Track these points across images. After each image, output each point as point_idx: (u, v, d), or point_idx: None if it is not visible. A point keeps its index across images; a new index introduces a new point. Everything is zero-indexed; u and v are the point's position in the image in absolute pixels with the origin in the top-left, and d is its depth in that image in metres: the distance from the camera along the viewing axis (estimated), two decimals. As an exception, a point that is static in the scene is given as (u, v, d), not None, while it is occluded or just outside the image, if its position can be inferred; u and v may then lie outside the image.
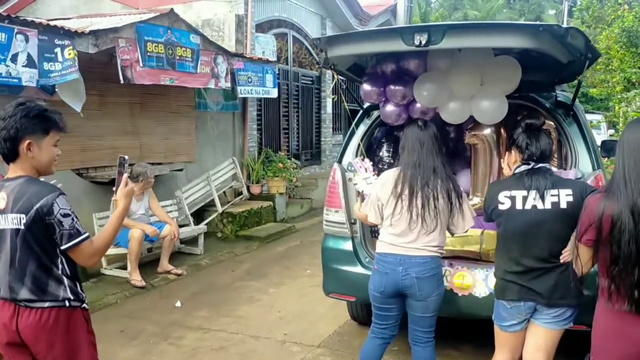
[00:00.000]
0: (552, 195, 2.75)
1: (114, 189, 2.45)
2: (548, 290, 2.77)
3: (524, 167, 2.87)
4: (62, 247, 2.21)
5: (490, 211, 2.94)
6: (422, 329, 3.25)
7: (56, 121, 2.32)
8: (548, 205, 2.75)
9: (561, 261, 2.76)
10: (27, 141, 2.23)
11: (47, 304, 2.23)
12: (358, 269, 4.09)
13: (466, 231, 3.30)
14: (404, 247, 3.14)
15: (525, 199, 2.80)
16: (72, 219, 2.21)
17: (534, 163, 2.84)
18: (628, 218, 2.14)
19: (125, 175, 2.44)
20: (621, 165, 2.21)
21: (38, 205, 2.17)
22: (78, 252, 2.25)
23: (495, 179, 4.15)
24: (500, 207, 2.86)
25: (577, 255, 2.43)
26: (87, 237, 2.26)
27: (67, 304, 2.27)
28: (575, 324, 2.88)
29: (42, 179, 2.33)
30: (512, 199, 2.83)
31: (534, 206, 2.78)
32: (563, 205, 2.74)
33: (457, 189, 3.18)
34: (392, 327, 3.36)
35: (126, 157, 2.52)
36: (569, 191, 2.75)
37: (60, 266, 2.26)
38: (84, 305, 2.37)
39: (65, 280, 2.27)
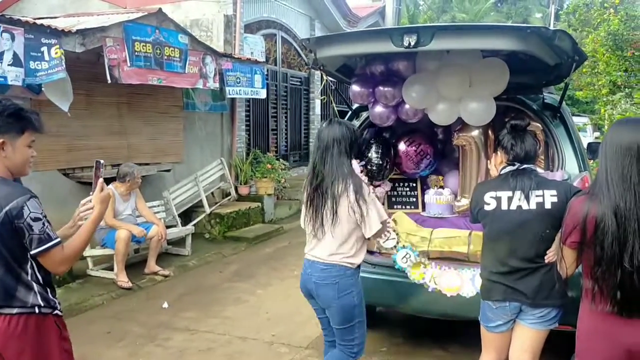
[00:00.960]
0: (537, 196, 2.77)
1: (91, 193, 2.36)
2: (533, 290, 2.78)
3: (509, 168, 2.89)
4: (31, 252, 2.12)
5: (477, 212, 2.95)
6: (338, 338, 3.11)
7: (32, 121, 2.23)
8: (533, 206, 2.77)
9: (546, 261, 2.77)
10: (1, 140, 2.15)
11: (15, 310, 2.14)
12: (346, 270, 4.07)
13: (380, 235, 3.09)
14: (312, 251, 3.05)
15: (510, 199, 2.81)
16: (43, 224, 2.12)
17: (519, 164, 2.86)
18: (611, 220, 2.15)
19: (101, 180, 2.36)
20: (604, 168, 2.22)
21: (7, 208, 2.08)
22: (48, 258, 2.15)
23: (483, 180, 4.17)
24: (486, 207, 2.87)
25: (562, 257, 2.44)
26: (58, 243, 2.16)
27: (37, 310, 2.17)
28: (561, 325, 2.90)
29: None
30: (498, 199, 2.84)
31: (519, 207, 2.79)
32: (548, 205, 2.75)
33: (360, 191, 2.90)
34: (329, 330, 3.21)
35: (102, 161, 2.44)
36: (554, 192, 2.77)
37: (29, 272, 2.16)
38: (56, 312, 2.25)
39: (35, 287, 2.17)
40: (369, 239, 3.00)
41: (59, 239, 2.17)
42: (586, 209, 2.24)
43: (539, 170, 3.95)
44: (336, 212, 2.90)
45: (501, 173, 2.94)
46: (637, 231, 2.12)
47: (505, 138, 2.93)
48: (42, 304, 2.18)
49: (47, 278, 2.23)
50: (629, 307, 2.18)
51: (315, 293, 3.04)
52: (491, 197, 2.86)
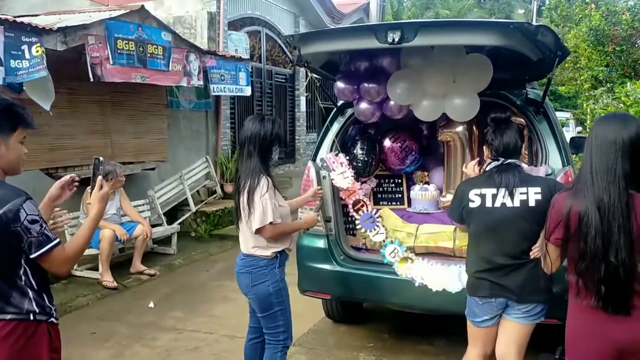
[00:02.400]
0: (521, 193, 2.78)
1: (89, 190, 2.30)
2: (518, 286, 2.80)
3: (494, 164, 2.89)
4: (32, 256, 2.03)
5: (461, 209, 2.95)
6: (264, 328, 3.22)
7: (24, 116, 2.14)
8: (517, 203, 2.78)
9: (531, 257, 2.79)
10: None
11: (9, 317, 2.04)
12: (333, 267, 4.09)
13: (256, 230, 3.05)
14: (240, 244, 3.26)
15: (494, 196, 2.82)
16: (41, 225, 2.03)
17: (503, 159, 2.86)
18: (595, 214, 2.15)
19: (100, 178, 2.29)
20: (588, 162, 2.22)
21: (2, 211, 1.98)
22: (49, 260, 2.06)
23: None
24: (471, 205, 2.88)
25: (546, 253, 2.44)
26: (58, 243, 2.07)
27: (32, 317, 2.07)
28: (546, 318, 2.93)
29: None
30: (482, 196, 2.85)
31: (503, 204, 2.80)
32: (532, 203, 2.77)
33: (251, 191, 3.00)
34: (253, 315, 3.36)
35: (101, 158, 2.37)
36: (538, 189, 2.78)
37: (23, 277, 2.06)
38: (52, 319, 2.16)
39: (30, 293, 2.08)
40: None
41: (58, 239, 2.09)
42: (569, 204, 2.24)
43: (524, 165, 4.00)
44: (245, 207, 3.03)
45: (486, 170, 2.95)
46: (623, 225, 2.12)
47: (488, 132, 2.95)
48: (37, 311, 2.09)
49: (43, 283, 2.14)
50: (614, 302, 2.17)
51: (238, 282, 3.24)
52: (476, 194, 2.87)
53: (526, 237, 2.79)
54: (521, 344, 2.92)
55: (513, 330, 2.90)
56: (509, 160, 2.86)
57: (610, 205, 2.14)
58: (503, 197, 2.80)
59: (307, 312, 5.06)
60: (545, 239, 2.42)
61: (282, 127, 3.18)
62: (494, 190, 2.82)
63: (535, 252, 2.77)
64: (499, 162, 2.87)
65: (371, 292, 4.08)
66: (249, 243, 3.15)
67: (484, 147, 3.00)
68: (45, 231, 2.05)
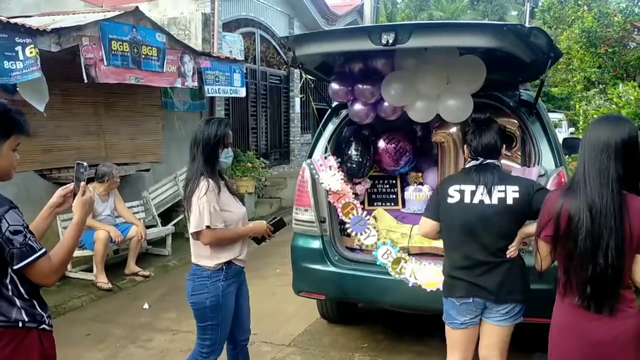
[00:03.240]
0: (499, 191, 2.79)
1: (71, 198, 2.24)
2: (496, 286, 2.80)
3: (472, 163, 2.92)
4: (15, 267, 1.95)
5: (438, 206, 2.94)
6: (197, 333, 3.12)
7: (20, 123, 2.06)
8: (495, 201, 2.79)
9: (507, 256, 2.80)
10: None
11: None
12: (327, 268, 4.10)
13: (197, 234, 2.93)
14: None
15: (473, 193, 2.83)
16: (25, 236, 1.95)
17: (482, 159, 2.88)
18: (586, 215, 2.17)
19: (82, 184, 2.22)
20: (582, 164, 2.24)
21: None
22: (34, 272, 1.98)
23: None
24: (450, 200, 2.88)
25: (537, 250, 2.44)
26: (44, 254, 1.99)
27: (21, 324, 2.01)
28: (527, 317, 2.94)
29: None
30: (461, 192, 2.86)
31: (482, 201, 2.81)
32: (509, 201, 2.78)
33: (190, 195, 2.94)
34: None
35: (85, 163, 2.27)
36: (516, 187, 2.80)
37: (10, 287, 1.99)
38: (43, 326, 2.08)
39: (18, 302, 2.01)
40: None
41: (43, 250, 2.00)
42: (561, 203, 2.26)
43: (516, 165, 4.02)
44: (188, 211, 2.97)
45: (465, 167, 2.97)
46: (613, 227, 2.13)
47: (469, 132, 2.97)
48: (27, 319, 2.03)
49: (33, 291, 2.07)
50: (598, 302, 2.20)
51: None
52: (455, 190, 2.88)
53: (503, 235, 2.81)
54: (503, 346, 2.92)
55: (494, 334, 2.89)
56: (488, 160, 2.88)
57: (602, 207, 2.15)
58: (482, 194, 2.81)
59: (302, 313, 5.08)
60: (536, 236, 2.43)
61: (229, 127, 3.13)
62: (472, 187, 2.84)
63: (512, 250, 2.79)
64: (478, 162, 2.89)
65: (366, 293, 4.09)
66: (194, 251, 3.05)
67: (464, 147, 3.02)
68: (30, 242, 1.97)
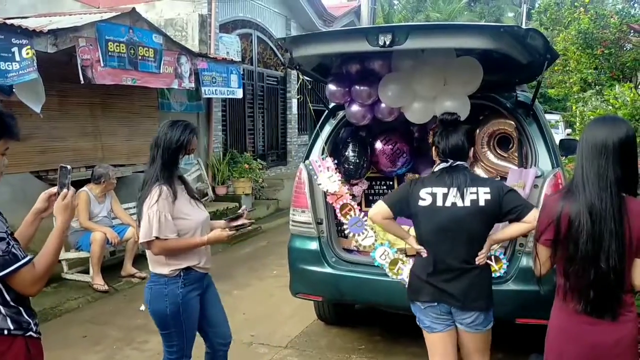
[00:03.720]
0: (471, 193, 2.76)
1: (78, 192, 2.24)
2: (461, 293, 2.77)
3: (442, 165, 2.88)
4: None
5: (407, 206, 2.89)
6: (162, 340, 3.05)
7: (10, 127, 1.99)
8: (467, 203, 2.76)
9: (477, 263, 2.78)
10: None
11: None
12: (325, 269, 4.10)
13: (148, 243, 2.82)
14: None
15: (445, 196, 2.80)
16: (8, 243, 1.89)
17: (452, 161, 2.84)
18: (586, 218, 2.14)
19: (65, 189, 2.15)
20: (580, 166, 2.21)
21: None
22: (17, 280, 1.92)
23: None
24: (421, 203, 2.83)
25: (536, 255, 2.39)
26: (27, 262, 1.93)
27: (6, 332, 1.96)
28: (537, 319, 2.93)
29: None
30: (433, 195, 2.82)
31: (454, 203, 2.78)
32: (482, 202, 2.75)
33: (141, 202, 2.83)
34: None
35: (68, 166, 2.21)
36: (487, 189, 2.77)
37: None
38: (30, 333, 2.03)
39: (3, 310, 1.96)
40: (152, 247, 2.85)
41: (27, 258, 1.94)
42: (561, 206, 2.22)
43: (513, 167, 4.03)
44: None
45: (435, 170, 2.92)
46: (614, 230, 2.11)
47: (436, 134, 2.94)
48: (13, 327, 1.98)
49: (20, 298, 2.01)
50: (601, 307, 2.18)
51: None
52: (427, 192, 2.83)
53: (475, 239, 2.79)
54: (482, 349, 2.89)
55: (470, 339, 2.86)
56: (457, 163, 2.84)
57: (602, 210, 2.12)
58: (454, 196, 2.77)
59: (299, 314, 5.07)
60: (535, 240, 2.40)
61: (194, 133, 2.95)
62: (444, 190, 2.80)
63: (481, 258, 2.77)
64: (447, 164, 2.85)
65: (363, 294, 4.09)
66: (150, 258, 2.93)
67: (432, 148, 2.98)
68: (13, 249, 1.91)
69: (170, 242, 2.80)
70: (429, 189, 2.84)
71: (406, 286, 3.75)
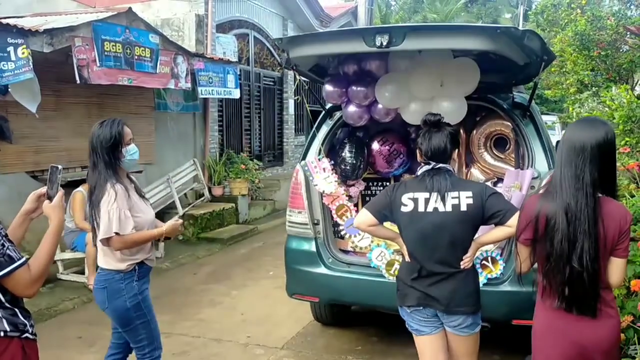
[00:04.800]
0: (452, 198, 2.72)
1: (46, 202, 2.18)
2: (446, 297, 2.74)
3: (425, 168, 2.82)
4: None
5: (390, 211, 2.85)
6: (129, 341, 3.12)
7: (1, 129, 2.00)
8: (449, 208, 2.71)
9: (461, 267, 2.75)
10: None
11: None
12: (321, 270, 4.09)
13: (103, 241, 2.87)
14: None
15: (427, 201, 2.74)
16: (2, 245, 1.89)
17: (434, 163, 2.78)
18: (562, 218, 2.19)
19: (57, 192, 2.16)
20: (558, 167, 2.26)
21: None
22: (12, 282, 1.92)
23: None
24: (403, 209, 2.78)
25: (517, 253, 2.44)
26: (23, 264, 1.93)
27: (2, 334, 1.97)
28: (519, 320, 2.92)
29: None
30: (415, 201, 2.77)
31: (435, 208, 2.73)
32: (463, 207, 2.70)
33: (96, 201, 2.85)
34: (116, 329, 3.23)
35: (59, 166, 2.22)
36: (469, 193, 2.72)
37: None
38: (26, 335, 2.03)
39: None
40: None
41: (22, 260, 1.93)
42: (539, 206, 2.27)
43: (509, 167, 4.03)
44: (96, 219, 2.88)
45: (418, 174, 2.87)
46: (587, 231, 2.16)
47: (419, 135, 2.87)
48: (9, 329, 1.98)
49: (15, 300, 2.02)
50: (578, 304, 2.22)
51: (95, 298, 3.08)
52: (408, 198, 2.78)
53: (458, 244, 2.74)
54: (471, 351, 2.88)
55: (458, 342, 2.85)
56: (440, 165, 2.78)
57: (577, 210, 2.17)
58: (435, 201, 2.73)
59: (295, 315, 5.06)
60: (515, 239, 2.44)
61: (123, 125, 3.02)
62: (426, 195, 2.74)
63: (466, 261, 2.75)
64: (430, 166, 2.79)
65: (360, 295, 4.08)
66: (103, 256, 2.97)
67: (417, 150, 2.92)
68: (8, 251, 1.90)
69: (130, 237, 2.85)
70: (410, 194, 2.78)
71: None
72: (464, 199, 2.71)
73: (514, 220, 2.60)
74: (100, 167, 2.86)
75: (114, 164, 2.89)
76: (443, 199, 2.71)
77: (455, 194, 2.72)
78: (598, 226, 2.17)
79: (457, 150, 2.91)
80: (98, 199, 2.83)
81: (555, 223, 2.21)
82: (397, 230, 2.91)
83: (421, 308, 2.81)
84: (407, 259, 2.86)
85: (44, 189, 2.21)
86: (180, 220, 3.09)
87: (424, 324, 2.84)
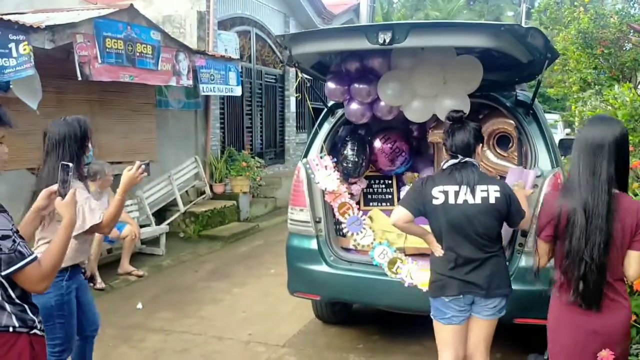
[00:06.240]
0: (481, 191, 2.86)
1: (57, 198, 2.21)
2: (485, 281, 2.85)
3: (452, 162, 2.94)
4: (2, 274, 1.91)
5: (422, 205, 2.95)
6: None
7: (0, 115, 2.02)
8: (478, 200, 2.84)
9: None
10: None
11: None
12: (323, 268, 4.08)
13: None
14: None
15: (457, 193, 2.87)
16: (14, 241, 1.90)
17: (461, 157, 2.90)
18: (580, 215, 2.25)
19: (70, 189, 2.19)
20: (576, 165, 2.32)
21: None
22: (23, 278, 1.94)
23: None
24: (434, 202, 2.90)
25: (536, 249, 2.51)
26: (33, 260, 1.95)
27: (11, 330, 1.99)
28: (538, 319, 2.95)
29: None
30: (445, 193, 2.89)
31: (465, 200, 2.85)
32: (492, 200, 2.85)
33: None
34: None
35: (71, 165, 2.26)
36: (497, 187, 2.88)
37: (0, 291, 1.97)
38: (35, 331, 2.06)
39: (8, 307, 1.98)
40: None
41: (33, 256, 1.96)
42: (560, 204, 2.33)
43: (512, 166, 4.01)
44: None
45: (444, 168, 2.97)
46: (599, 227, 2.23)
47: (444, 131, 3.03)
48: (17, 325, 2.00)
49: (24, 296, 2.04)
50: (588, 298, 2.29)
51: None
52: (439, 191, 2.90)
53: (487, 233, 2.87)
54: (489, 340, 3.00)
55: (482, 327, 2.96)
56: (466, 159, 2.91)
57: (594, 207, 2.24)
58: (465, 194, 2.85)
59: (296, 313, 5.05)
60: (536, 235, 2.49)
61: (85, 123, 3.13)
62: (456, 188, 2.88)
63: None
64: (457, 160, 2.91)
65: (361, 293, 4.07)
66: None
67: (444, 146, 3.06)
68: (19, 247, 1.92)
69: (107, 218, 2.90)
70: (440, 187, 2.90)
71: (406, 285, 3.75)
72: (492, 192, 2.85)
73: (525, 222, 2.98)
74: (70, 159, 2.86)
75: (80, 159, 3.03)
76: (472, 192, 2.85)
77: (484, 187, 2.86)
78: (614, 221, 2.23)
79: (480, 145, 3.01)
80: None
81: (574, 220, 2.27)
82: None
83: (461, 296, 2.89)
84: (438, 253, 2.96)
85: (55, 187, 2.24)
86: (134, 170, 3.01)
87: (458, 313, 2.93)
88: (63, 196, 2.21)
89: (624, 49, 9.01)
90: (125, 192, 2.93)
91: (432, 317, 3.05)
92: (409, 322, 4.60)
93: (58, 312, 2.98)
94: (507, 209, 2.88)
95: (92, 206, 2.91)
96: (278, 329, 4.81)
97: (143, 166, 2.88)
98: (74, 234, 2.70)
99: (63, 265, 2.74)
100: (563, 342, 2.40)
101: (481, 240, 2.85)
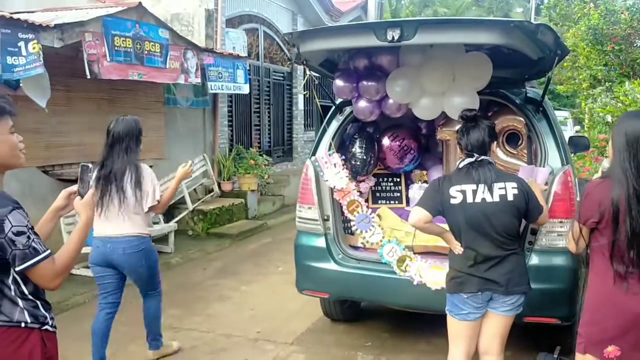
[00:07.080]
0: (499, 188, 2.87)
1: (76, 198, 2.23)
2: (505, 278, 2.86)
3: (468, 160, 2.95)
4: (16, 269, 1.92)
5: (440, 205, 2.96)
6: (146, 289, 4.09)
7: (3, 105, 2.03)
8: (496, 198, 2.86)
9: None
10: None
11: None
12: (331, 266, 4.08)
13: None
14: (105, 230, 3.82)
15: (474, 192, 2.88)
16: (28, 237, 1.91)
17: (477, 155, 2.91)
18: (633, 202, 2.32)
19: (90, 189, 2.22)
20: (619, 157, 2.36)
21: None
22: (36, 274, 1.95)
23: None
24: (452, 201, 2.91)
25: (573, 234, 2.54)
26: (47, 256, 1.96)
27: (23, 325, 2.00)
28: (547, 317, 2.95)
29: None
30: (463, 192, 2.90)
31: (483, 199, 2.87)
32: (510, 197, 2.86)
33: (137, 172, 3.86)
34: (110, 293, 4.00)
35: (90, 165, 2.28)
36: (514, 184, 2.90)
37: (12, 287, 1.97)
38: (46, 327, 2.06)
39: (21, 302, 1.99)
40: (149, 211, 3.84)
41: (47, 252, 1.96)
42: (605, 193, 2.38)
43: (522, 164, 3.99)
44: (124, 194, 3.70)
45: (461, 167, 2.98)
46: (633, 214, 2.31)
47: (458, 130, 3.04)
48: (29, 320, 2.01)
49: (37, 292, 2.05)
50: (633, 282, 2.36)
51: (118, 262, 3.81)
52: (457, 190, 2.91)
53: (507, 231, 2.87)
54: (504, 336, 3.00)
55: (498, 323, 2.96)
56: (482, 157, 2.92)
57: (636, 197, 2.31)
58: (483, 192, 2.86)
59: (305, 311, 5.05)
60: (579, 223, 2.50)
61: (139, 122, 4.26)
62: (473, 186, 2.89)
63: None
64: (473, 159, 2.92)
65: (370, 291, 4.06)
66: (132, 225, 3.76)
67: (458, 144, 3.06)
68: (34, 243, 1.93)
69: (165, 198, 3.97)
70: (458, 187, 2.91)
71: (415, 283, 3.74)
72: (510, 189, 2.87)
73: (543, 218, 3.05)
74: (133, 153, 3.88)
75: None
76: (490, 190, 2.86)
77: (502, 184, 2.87)
78: None
79: (495, 143, 3.06)
80: (139, 176, 3.78)
81: (622, 209, 2.33)
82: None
83: (479, 293, 2.90)
84: (457, 251, 2.97)
85: (75, 187, 2.26)
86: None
87: (474, 310, 2.94)
88: (82, 196, 2.22)
89: (635, 45, 8.93)
90: (178, 182, 4.01)
91: (447, 312, 3.05)
92: (417, 320, 4.59)
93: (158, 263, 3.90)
94: (526, 206, 2.90)
95: (157, 188, 3.78)
96: (286, 326, 4.81)
97: (191, 162, 3.94)
98: (149, 205, 3.74)
99: (149, 229, 3.94)
100: (606, 324, 2.43)
101: (500, 238, 2.86)
